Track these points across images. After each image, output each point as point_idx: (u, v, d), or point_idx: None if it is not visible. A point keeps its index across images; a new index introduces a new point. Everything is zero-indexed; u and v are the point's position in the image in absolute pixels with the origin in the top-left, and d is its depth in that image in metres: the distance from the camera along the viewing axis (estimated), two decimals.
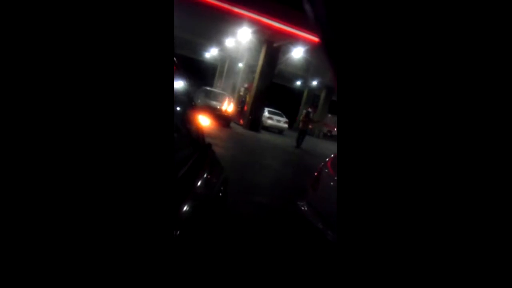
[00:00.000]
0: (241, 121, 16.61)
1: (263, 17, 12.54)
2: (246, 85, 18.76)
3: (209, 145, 1.87)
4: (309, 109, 14.92)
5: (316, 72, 20.41)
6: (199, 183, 1.31)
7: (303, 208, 2.99)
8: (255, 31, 14.00)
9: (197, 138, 1.63)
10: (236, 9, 12.21)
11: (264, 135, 15.18)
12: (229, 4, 11.95)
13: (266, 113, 18.53)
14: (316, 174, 3.03)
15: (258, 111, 16.01)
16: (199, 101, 13.95)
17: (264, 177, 6.33)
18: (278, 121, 19.36)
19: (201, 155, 1.52)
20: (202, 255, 1.26)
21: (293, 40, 13.73)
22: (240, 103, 17.92)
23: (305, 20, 0.67)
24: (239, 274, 2.31)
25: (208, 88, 16.69)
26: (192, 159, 1.35)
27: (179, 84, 1.52)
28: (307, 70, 20.51)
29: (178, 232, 0.89)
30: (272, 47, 15.22)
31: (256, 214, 3.95)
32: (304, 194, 3.17)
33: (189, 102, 1.69)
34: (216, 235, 1.64)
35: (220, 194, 1.71)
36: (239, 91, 19.42)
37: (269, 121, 19.04)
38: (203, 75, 23.99)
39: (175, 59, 1.56)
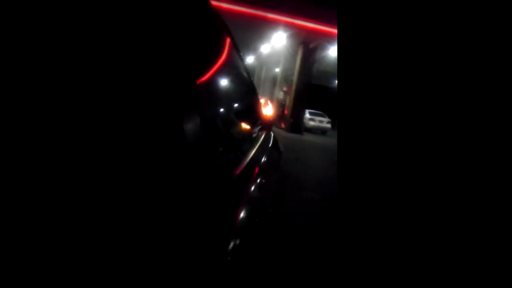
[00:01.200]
0: (283, 125, 16.62)
1: (297, 19, 12.58)
2: (285, 89, 18.75)
3: (269, 134, 1.69)
4: None
5: None
6: (252, 187, 1.05)
7: None
8: (290, 34, 14.03)
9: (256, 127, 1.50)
10: (270, 15, 12.36)
11: (307, 137, 15.09)
12: (263, 10, 12.14)
13: (307, 115, 18.33)
14: None
15: (299, 113, 15.97)
16: None
17: (310, 176, 6.35)
18: (321, 121, 19.06)
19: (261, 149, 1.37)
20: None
21: (330, 38, 13.60)
22: (280, 107, 17.94)
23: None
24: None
25: None
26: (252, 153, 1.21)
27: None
28: None
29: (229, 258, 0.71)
30: (308, 49, 15.18)
31: (302, 210, 4.03)
32: None
33: (252, 94, 1.61)
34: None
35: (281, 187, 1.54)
36: (278, 96, 19.47)
37: (311, 123, 18.80)
38: None
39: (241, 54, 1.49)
